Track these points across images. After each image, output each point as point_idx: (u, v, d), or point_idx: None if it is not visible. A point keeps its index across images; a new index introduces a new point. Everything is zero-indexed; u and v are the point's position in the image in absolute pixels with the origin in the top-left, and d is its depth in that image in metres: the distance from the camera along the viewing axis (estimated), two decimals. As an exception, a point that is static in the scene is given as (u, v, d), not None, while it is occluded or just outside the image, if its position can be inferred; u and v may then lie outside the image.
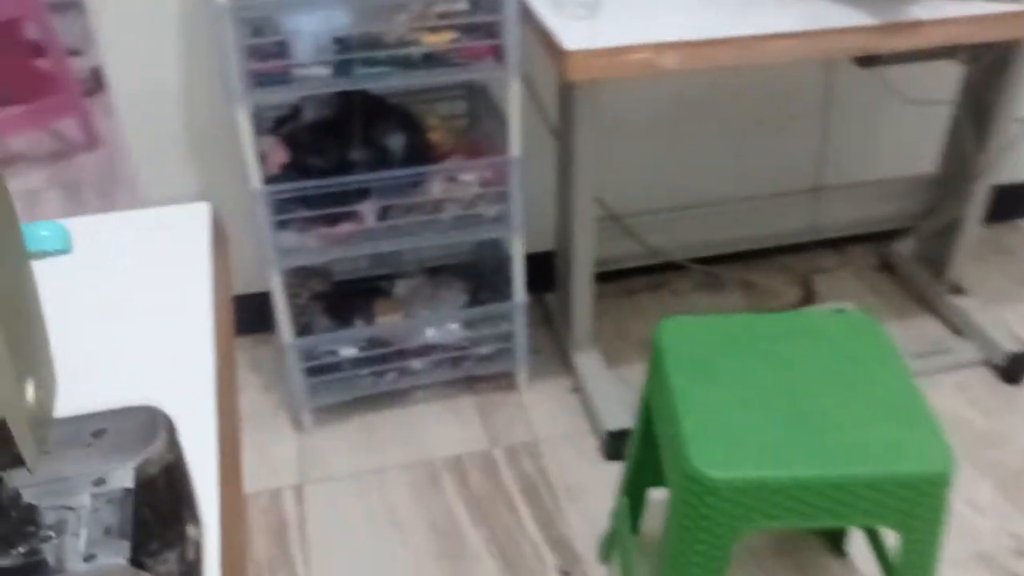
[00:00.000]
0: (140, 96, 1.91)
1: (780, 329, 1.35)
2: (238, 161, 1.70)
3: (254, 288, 1.92)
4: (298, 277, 2.01)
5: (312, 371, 1.93)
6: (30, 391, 0.44)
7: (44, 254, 0.66)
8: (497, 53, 1.69)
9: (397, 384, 2.01)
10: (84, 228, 1.07)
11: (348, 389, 1.98)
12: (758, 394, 1.25)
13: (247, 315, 1.97)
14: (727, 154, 2.33)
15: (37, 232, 0.64)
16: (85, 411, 0.75)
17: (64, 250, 0.67)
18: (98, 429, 0.59)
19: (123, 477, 0.56)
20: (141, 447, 0.58)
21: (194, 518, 0.64)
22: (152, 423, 0.60)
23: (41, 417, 0.45)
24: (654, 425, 1.41)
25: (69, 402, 0.76)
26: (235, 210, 1.82)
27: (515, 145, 1.77)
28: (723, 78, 2.20)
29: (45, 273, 0.86)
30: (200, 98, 1.94)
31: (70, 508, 0.54)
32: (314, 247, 1.81)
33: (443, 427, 2.00)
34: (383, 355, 1.98)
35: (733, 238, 2.43)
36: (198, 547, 0.64)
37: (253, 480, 1.87)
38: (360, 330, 1.98)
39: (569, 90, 1.82)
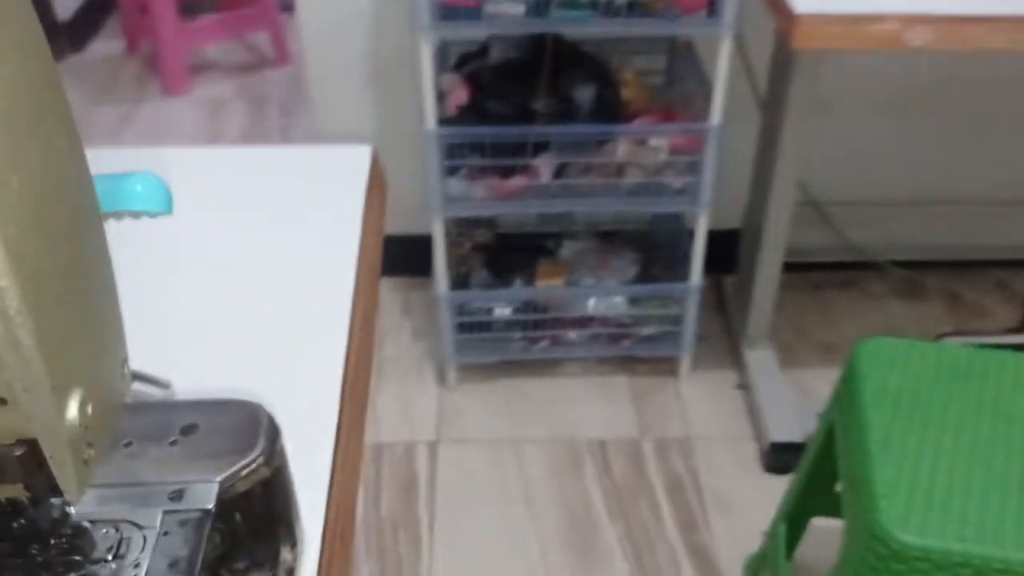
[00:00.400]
0: (327, 17, 1.83)
1: (1017, 372, 1.13)
2: (415, 96, 1.60)
3: (415, 229, 1.83)
4: (461, 225, 1.90)
5: (463, 327, 1.83)
6: (73, 406, 0.32)
7: (135, 214, 0.55)
8: (711, 7, 1.50)
9: (549, 353, 1.89)
10: (237, 160, 0.99)
11: (498, 350, 1.87)
12: (976, 450, 1.04)
13: (406, 256, 1.91)
14: (956, 150, 2.05)
15: (129, 187, 0.53)
16: (190, 385, 0.65)
17: (162, 212, 0.57)
18: (189, 424, 0.49)
19: (205, 494, 0.45)
20: (232, 456, 0.47)
21: (291, 538, 0.53)
22: (251, 426, 0.49)
23: (90, 435, 0.34)
24: (835, 456, 1.23)
25: (176, 371, 0.67)
26: (405, 146, 1.73)
27: (717, 112, 1.59)
28: (967, 61, 1.91)
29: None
30: (386, 26, 1.84)
31: (138, 526, 0.44)
32: (481, 198, 1.70)
33: (591, 406, 1.87)
34: (539, 321, 1.86)
35: (944, 244, 2.15)
36: (292, 573, 0.53)
37: (389, 430, 1.80)
38: (518, 291, 1.86)
39: (787, 57, 1.60)
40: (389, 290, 2.11)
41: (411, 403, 1.86)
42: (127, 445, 0.47)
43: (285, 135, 2.70)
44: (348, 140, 1.99)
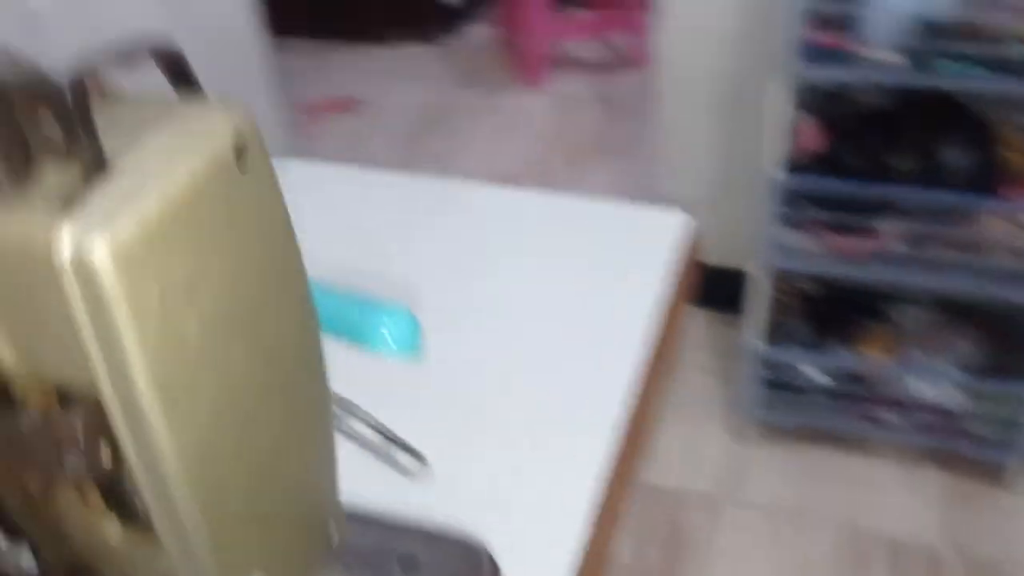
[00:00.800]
0: (686, 28, 1.78)
1: None
2: (762, 130, 1.49)
3: (734, 262, 1.74)
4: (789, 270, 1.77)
5: (769, 382, 1.71)
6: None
7: (376, 349, 0.53)
8: None
9: (859, 429, 1.71)
10: (540, 207, 0.97)
11: (802, 414, 1.73)
12: None
13: (721, 288, 1.83)
14: None
15: (377, 324, 0.51)
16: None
17: (409, 351, 0.54)
18: (408, 554, 0.46)
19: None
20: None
21: None
22: (471, 571, 0.45)
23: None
24: None
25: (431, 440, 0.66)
26: (742, 176, 1.64)
27: (1120, 204, 1.33)
28: None
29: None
30: (746, 52, 1.75)
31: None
32: (815, 254, 1.56)
33: (894, 497, 1.67)
34: (854, 393, 1.69)
35: None
36: None
37: (666, 473, 1.74)
38: (838, 357, 1.70)
39: None
40: (697, 322, 2.03)
41: (696, 449, 1.78)
42: (339, 565, 0.46)
43: (630, 140, 2.68)
44: (688, 157, 1.91)
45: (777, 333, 1.75)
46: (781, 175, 1.48)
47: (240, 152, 0.27)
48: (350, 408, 0.69)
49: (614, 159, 2.62)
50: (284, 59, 3.16)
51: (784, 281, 1.78)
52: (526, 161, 2.63)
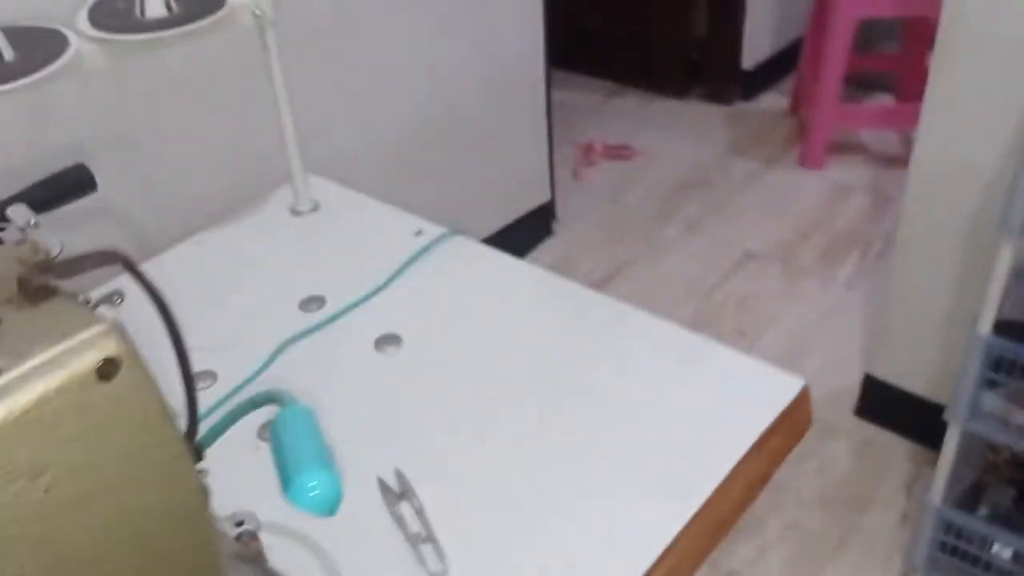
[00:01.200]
0: (944, 146, 1.67)
1: None
2: (986, 279, 1.40)
3: (943, 398, 1.63)
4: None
5: (945, 546, 1.59)
6: None
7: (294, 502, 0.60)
8: None
9: (1039, 623, 1.55)
10: (677, 339, 1.00)
11: (977, 588, 1.59)
12: None
13: (928, 422, 1.73)
14: None
15: (303, 484, 0.58)
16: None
17: (326, 514, 0.60)
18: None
19: None
20: None
21: None
22: None
23: None
24: None
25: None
26: (955, 312, 1.53)
27: None
28: None
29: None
30: (991, 198, 1.62)
31: None
32: (1019, 426, 1.44)
33: None
34: (1041, 583, 1.53)
35: None
36: None
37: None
38: (1028, 539, 1.55)
39: None
40: (898, 453, 1.92)
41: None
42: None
43: (888, 240, 2.55)
44: (918, 276, 1.80)
45: (972, 493, 1.62)
46: (988, 335, 1.38)
47: (108, 369, 0.36)
48: (408, 492, 0.78)
49: (864, 257, 2.51)
50: (575, 96, 3.32)
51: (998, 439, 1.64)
52: (775, 242, 2.58)
